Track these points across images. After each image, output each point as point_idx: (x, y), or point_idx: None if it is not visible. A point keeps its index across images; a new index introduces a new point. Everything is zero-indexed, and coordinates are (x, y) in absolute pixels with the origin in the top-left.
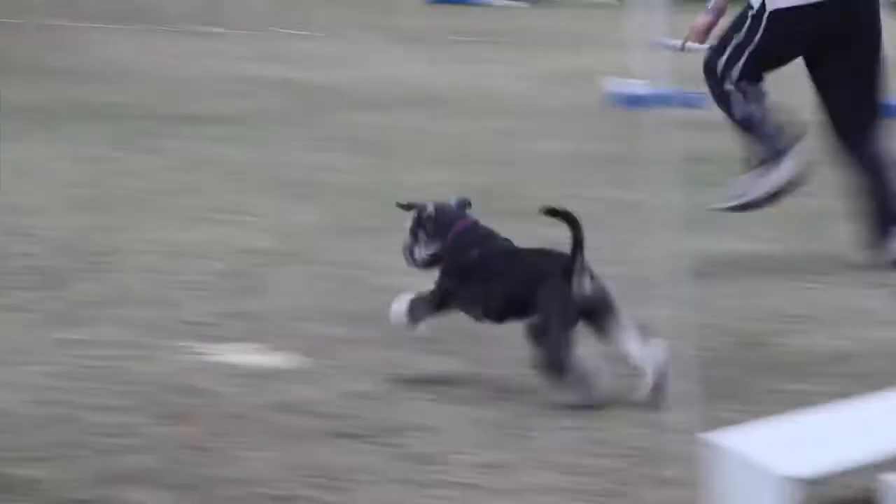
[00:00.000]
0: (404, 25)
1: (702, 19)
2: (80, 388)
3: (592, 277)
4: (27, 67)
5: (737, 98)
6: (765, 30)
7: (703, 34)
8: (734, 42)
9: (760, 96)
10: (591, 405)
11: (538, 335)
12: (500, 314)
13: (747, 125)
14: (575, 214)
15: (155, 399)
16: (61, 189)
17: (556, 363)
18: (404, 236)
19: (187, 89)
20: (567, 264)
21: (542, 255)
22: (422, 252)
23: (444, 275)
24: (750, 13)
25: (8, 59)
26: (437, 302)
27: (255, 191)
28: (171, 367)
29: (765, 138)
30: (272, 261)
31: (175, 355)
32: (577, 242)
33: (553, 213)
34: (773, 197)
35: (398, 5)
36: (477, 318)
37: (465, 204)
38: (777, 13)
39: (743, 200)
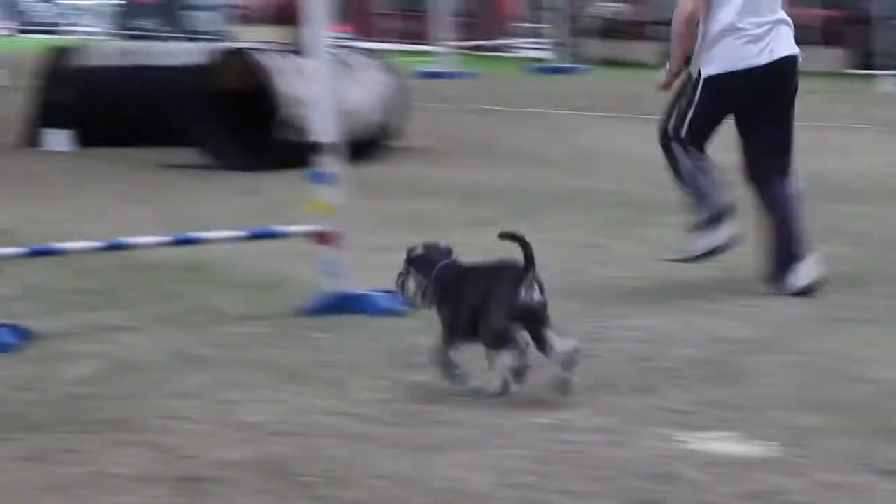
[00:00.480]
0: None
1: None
2: (550, 472)
3: (541, 289)
4: (509, 153)
5: (683, 160)
6: (700, 94)
7: None
8: (678, 108)
9: (704, 159)
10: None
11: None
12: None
13: (691, 186)
14: (524, 236)
15: (626, 485)
16: None
17: (499, 338)
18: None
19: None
20: (520, 273)
21: (499, 265)
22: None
23: (437, 310)
24: (690, 81)
25: (493, 146)
26: (447, 337)
27: (732, 280)
28: (645, 454)
29: (706, 199)
30: (747, 349)
31: (649, 442)
32: (528, 258)
33: (507, 236)
34: (710, 254)
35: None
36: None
37: (450, 249)
38: (711, 79)
39: (683, 256)
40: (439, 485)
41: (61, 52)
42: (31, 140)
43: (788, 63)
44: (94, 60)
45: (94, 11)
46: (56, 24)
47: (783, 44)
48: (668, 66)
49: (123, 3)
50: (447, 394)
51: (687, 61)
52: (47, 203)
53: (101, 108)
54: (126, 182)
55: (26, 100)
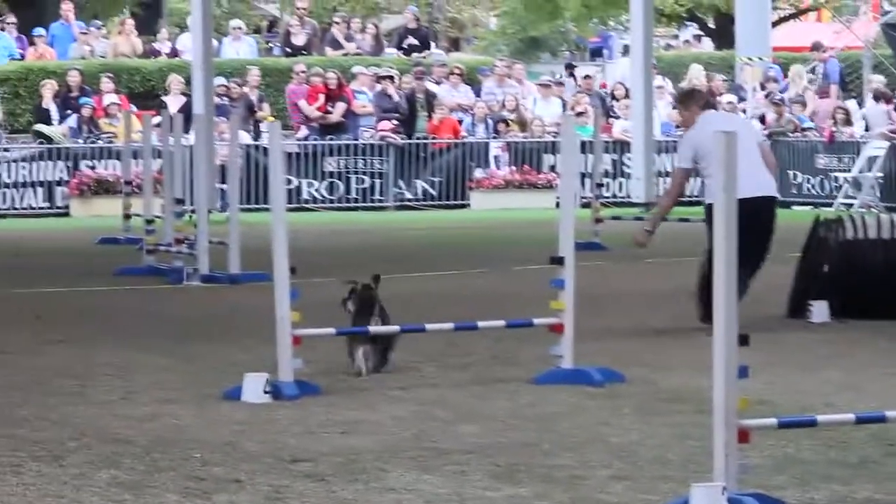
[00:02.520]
0: None
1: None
2: None
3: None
4: None
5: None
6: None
7: None
8: None
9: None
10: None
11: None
12: None
13: None
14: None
15: None
16: None
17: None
18: None
19: None
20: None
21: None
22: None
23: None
24: None
25: None
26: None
27: None
28: None
29: None
30: None
31: None
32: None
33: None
34: None
35: None
36: None
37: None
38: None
39: None
40: None
41: (825, 223)
42: (796, 311)
43: None
44: (857, 232)
45: (856, 183)
46: (818, 196)
47: None
48: None
49: (885, 174)
50: None
51: None
52: (804, 373)
53: (862, 280)
54: (884, 354)
55: (789, 272)
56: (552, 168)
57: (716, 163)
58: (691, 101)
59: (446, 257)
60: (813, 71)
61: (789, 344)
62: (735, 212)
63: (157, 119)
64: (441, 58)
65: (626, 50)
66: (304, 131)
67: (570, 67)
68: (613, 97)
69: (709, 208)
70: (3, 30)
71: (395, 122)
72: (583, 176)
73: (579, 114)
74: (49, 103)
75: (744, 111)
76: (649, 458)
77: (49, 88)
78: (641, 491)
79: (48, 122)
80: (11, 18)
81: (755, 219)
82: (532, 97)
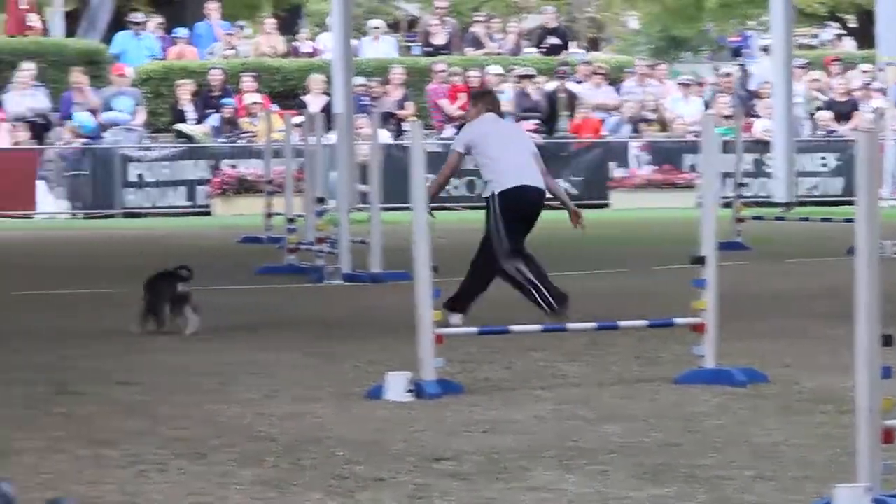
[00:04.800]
0: None
1: None
2: None
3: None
4: None
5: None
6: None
7: None
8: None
9: (529, 260)
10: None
11: None
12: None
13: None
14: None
15: None
16: None
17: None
18: None
19: None
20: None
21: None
22: None
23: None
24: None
25: None
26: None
27: None
28: None
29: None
30: None
31: None
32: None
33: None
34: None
35: None
36: None
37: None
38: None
39: None
40: None
41: None
42: None
43: None
44: None
45: None
46: None
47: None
48: None
49: None
50: None
51: None
52: None
53: None
54: None
55: None
56: (693, 167)
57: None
58: (480, 101)
59: (587, 257)
60: None
61: None
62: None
63: (297, 118)
64: (583, 57)
65: (765, 49)
66: (448, 130)
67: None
68: (757, 95)
69: (488, 199)
70: (147, 29)
71: (536, 121)
72: (724, 175)
73: (727, 116)
74: (185, 103)
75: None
76: (792, 458)
77: (186, 88)
78: (784, 491)
79: (184, 121)
80: (158, 18)
81: (527, 205)
82: (672, 97)
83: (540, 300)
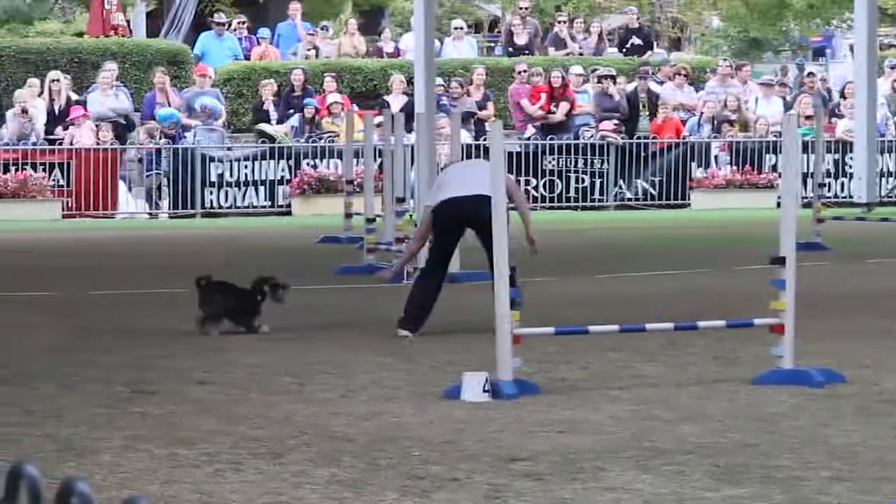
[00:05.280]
0: None
1: None
2: None
3: None
4: None
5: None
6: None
7: None
8: None
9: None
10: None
11: None
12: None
13: None
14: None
15: None
16: None
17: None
18: None
19: None
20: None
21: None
22: None
23: None
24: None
25: None
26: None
27: None
28: None
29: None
30: None
31: None
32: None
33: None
34: None
35: None
36: None
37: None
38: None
39: None
40: None
41: None
42: None
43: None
44: None
45: None
46: None
47: None
48: None
49: None
50: None
51: None
52: None
53: None
54: None
55: None
56: (773, 168)
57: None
58: None
59: (667, 257)
60: None
61: None
62: None
63: (378, 118)
64: (665, 57)
65: (851, 49)
66: (529, 130)
67: (801, 68)
68: (842, 95)
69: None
70: (230, 29)
71: (616, 121)
72: (804, 175)
73: (808, 117)
74: (269, 103)
75: None
76: (870, 459)
77: (269, 88)
78: (862, 492)
79: (267, 121)
80: (241, 19)
81: (453, 215)
82: (754, 96)
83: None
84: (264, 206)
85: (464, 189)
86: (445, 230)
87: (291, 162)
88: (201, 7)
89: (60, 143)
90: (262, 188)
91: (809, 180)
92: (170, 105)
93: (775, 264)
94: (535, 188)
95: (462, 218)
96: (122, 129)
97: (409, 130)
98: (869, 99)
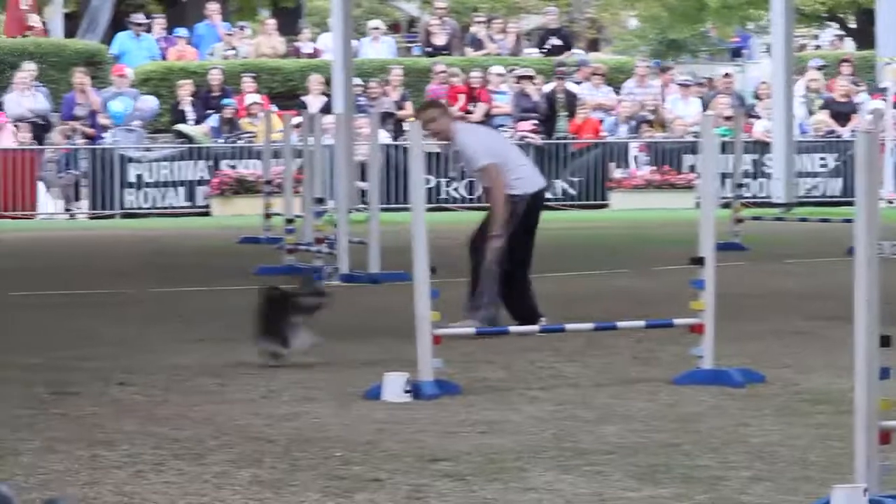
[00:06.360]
0: None
1: None
2: None
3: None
4: None
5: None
6: None
7: None
8: None
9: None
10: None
11: None
12: None
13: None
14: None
15: None
16: None
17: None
18: None
19: None
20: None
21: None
22: None
23: None
24: None
25: None
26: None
27: None
28: None
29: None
30: None
31: None
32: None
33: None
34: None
35: None
36: None
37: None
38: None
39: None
40: None
41: None
42: None
43: None
44: None
45: None
46: None
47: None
48: None
49: None
50: None
51: None
52: None
53: None
54: None
55: None
56: (692, 168)
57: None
58: (444, 112)
59: (586, 258)
60: None
61: None
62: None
63: (297, 119)
64: (583, 58)
65: (767, 49)
66: None
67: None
68: (756, 97)
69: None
70: (147, 31)
71: (535, 122)
72: (723, 176)
73: (727, 118)
74: (186, 103)
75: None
76: (790, 459)
77: (186, 89)
78: (782, 492)
79: (184, 121)
80: (159, 19)
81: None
82: (672, 97)
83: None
84: (184, 207)
85: (539, 179)
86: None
87: (210, 162)
88: (118, 7)
89: None
90: (181, 189)
91: (728, 180)
92: (89, 104)
93: (695, 264)
94: (456, 189)
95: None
96: (41, 129)
97: (328, 131)
98: (786, 99)
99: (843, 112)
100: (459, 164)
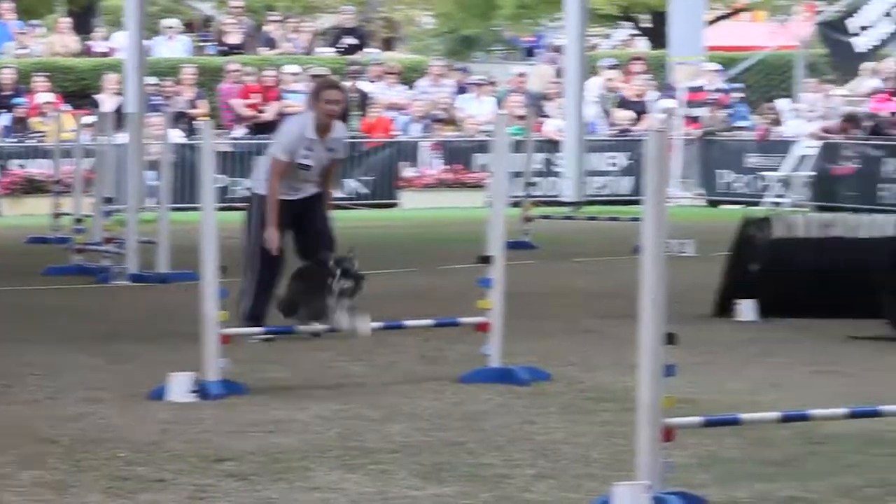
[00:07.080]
0: None
1: None
2: None
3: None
4: None
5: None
6: None
7: None
8: None
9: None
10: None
11: None
12: None
13: None
14: None
15: None
16: None
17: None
18: None
19: None
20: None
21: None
22: None
23: None
24: None
25: None
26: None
27: None
28: None
29: None
30: None
31: None
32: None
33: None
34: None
35: None
36: None
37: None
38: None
39: None
40: None
41: (754, 222)
42: (722, 310)
43: None
44: (786, 231)
45: (786, 182)
46: (748, 195)
47: None
48: None
49: (816, 174)
50: None
51: None
52: (729, 372)
53: (790, 279)
54: (810, 353)
55: (717, 270)
56: (483, 167)
57: None
58: None
59: (374, 256)
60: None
61: (715, 342)
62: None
63: (89, 118)
64: (376, 56)
65: (557, 49)
66: (241, 130)
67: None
68: (545, 97)
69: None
70: None
71: None
72: (514, 175)
73: (520, 117)
74: None
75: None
76: (574, 456)
77: None
78: (565, 490)
79: None
80: None
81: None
82: (465, 96)
83: None
84: None
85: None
86: None
87: (1, 162)
88: None
89: None
90: None
91: (518, 179)
92: None
93: (482, 263)
94: (247, 189)
95: None
96: None
97: (121, 130)
98: (577, 98)
99: (636, 111)
100: (330, 153)
